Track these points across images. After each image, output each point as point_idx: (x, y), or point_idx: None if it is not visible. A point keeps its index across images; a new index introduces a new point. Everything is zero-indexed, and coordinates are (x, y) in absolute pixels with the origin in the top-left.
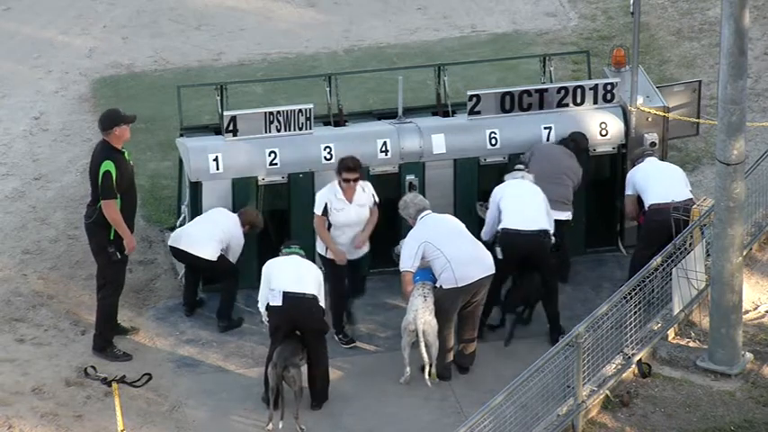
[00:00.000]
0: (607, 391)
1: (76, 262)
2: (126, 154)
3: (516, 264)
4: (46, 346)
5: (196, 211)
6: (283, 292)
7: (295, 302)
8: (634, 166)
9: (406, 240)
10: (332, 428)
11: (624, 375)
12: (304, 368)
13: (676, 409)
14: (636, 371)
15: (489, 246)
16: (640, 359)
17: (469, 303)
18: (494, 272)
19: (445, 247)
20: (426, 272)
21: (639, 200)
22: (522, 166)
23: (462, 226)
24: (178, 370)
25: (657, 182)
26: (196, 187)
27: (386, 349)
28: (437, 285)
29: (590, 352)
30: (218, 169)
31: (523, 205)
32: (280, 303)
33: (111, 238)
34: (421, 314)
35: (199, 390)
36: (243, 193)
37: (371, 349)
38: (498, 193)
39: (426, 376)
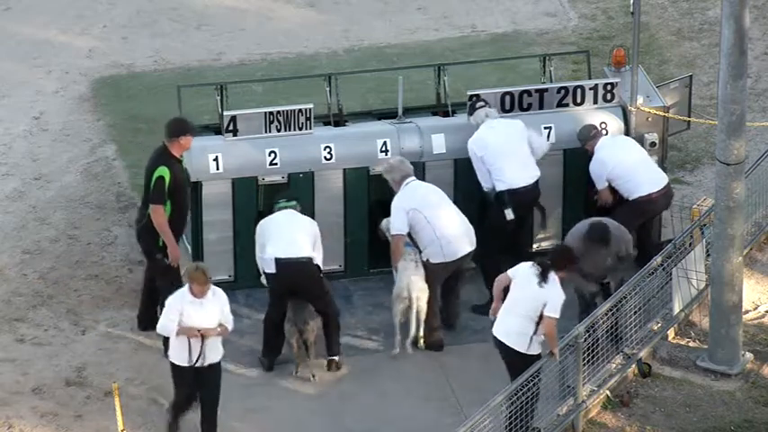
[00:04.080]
0: (607, 391)
1: (76, 262)
2: (183, 163)
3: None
4: (46, 346)
5: (196, 211)
6: (276, 259)
7: (288, 268)
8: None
9: (393, 207)
10: (332, 428)
11: (624, 375)
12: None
13: (676, 409)
14: (636, 371)
15: (498, 204)
16: (640, 359)
17: (453, 273)
18: (475, 246)
19: (435, 221)
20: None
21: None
22: (482, 103)
23: (447, 197)
24: None
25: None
26: (196, 187)
27: (386, 349)
28: (423, 259)
29: (590, 352)
30: (218, 169)
31: (513, 156)
32: (274, 271)
33: (160, 245)
34: (414, 281)
35: None
36: (243, 193)
37: (371, 349)
38: (474, 145)
39: (408, 343)
